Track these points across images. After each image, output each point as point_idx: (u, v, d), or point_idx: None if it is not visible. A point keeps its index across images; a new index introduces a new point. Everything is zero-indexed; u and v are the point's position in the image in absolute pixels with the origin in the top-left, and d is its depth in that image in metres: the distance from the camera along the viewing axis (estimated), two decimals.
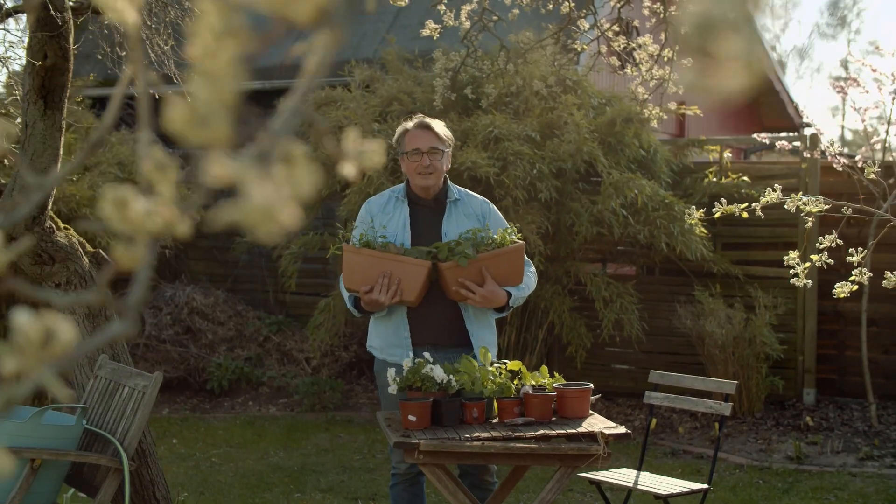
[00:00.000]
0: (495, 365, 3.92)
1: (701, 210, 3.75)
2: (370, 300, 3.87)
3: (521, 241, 4.03)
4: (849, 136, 33.02)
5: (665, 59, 5.33)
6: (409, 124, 4.10)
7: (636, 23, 8.26)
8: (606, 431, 3.59)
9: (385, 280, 3.83)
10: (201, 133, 0.79)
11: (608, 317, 7.44)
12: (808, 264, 3.65)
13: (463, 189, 4.23)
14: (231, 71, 0.78)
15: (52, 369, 0.82)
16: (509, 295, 3.98)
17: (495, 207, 4.23)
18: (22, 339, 0.80)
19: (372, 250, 3.88)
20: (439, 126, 4.10)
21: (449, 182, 4.17)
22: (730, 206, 3.59)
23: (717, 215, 3.64)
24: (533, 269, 4.19)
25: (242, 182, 0.79)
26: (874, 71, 6.70)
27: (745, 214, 3.59)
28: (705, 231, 7.35)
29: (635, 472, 4.86)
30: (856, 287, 3.59)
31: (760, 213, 3.59)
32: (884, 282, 3.45)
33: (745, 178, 8.15)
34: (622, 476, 4.78)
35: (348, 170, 0.90)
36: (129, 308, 0.86)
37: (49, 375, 0.82)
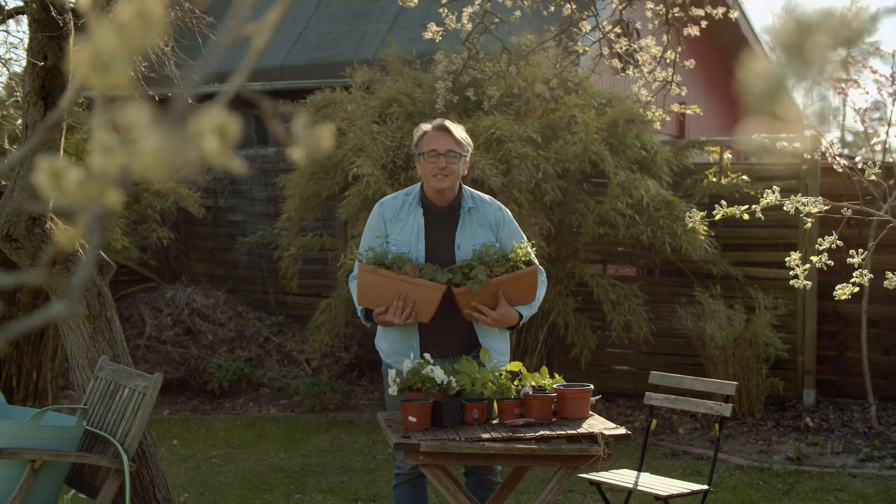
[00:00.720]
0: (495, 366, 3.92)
1: (702, 213, 3.75)
2: (383, 321, 3.88)
3: (535, 264, 4.01)
4: (849, 137, 33.03)
5: (667, 60, 5.33)
6: (428, 126, 4.05)
7: (638, 24, 8.27)
8: (607, 432, 3.59)
9: (400, 303, 3.83)
10: (105, 78, 0.80)
11: (617, 319, 7.43)
12: (807, 265, 3.66)
13: (477, 194, 4.15)
14: (140, 21, 0.79)
15: None
16: (520, 315, 3.98)
17: (509, 213, 4.17)
18: None
19: (388, 272, 3.85)
20: (458, 130, 4.05)
21: (464, 188, 4.12)
22: (730, 208, 3.60)
23: (717, 217, 3.64)
24: (544, 276, 4.16)
25: (139, 127, 0.80)
26: (874, 73, 6.70)
27: (745, 216, 3.59)
28: (707, 229, 7.35)
29: (635, 472, 4.86)
30: (856, 289, 3.59)
31: (760, 215, 3.59)
32: (885, 283, 3.45)
33: (745, 177, 8.15)
34: (622, 477, 4.78)
35: (297, 154, 0.90)
36: (72, 289, 0.86)
37: None
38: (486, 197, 4.19)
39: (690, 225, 3.71)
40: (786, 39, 0.77)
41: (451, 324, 3.98)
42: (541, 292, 4.07)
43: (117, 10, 0.80)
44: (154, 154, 0.80)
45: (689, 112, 7.80)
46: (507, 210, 4.21)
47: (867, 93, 6.34)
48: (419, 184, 4.15)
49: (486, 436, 3.53)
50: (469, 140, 4.10)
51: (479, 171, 6.85)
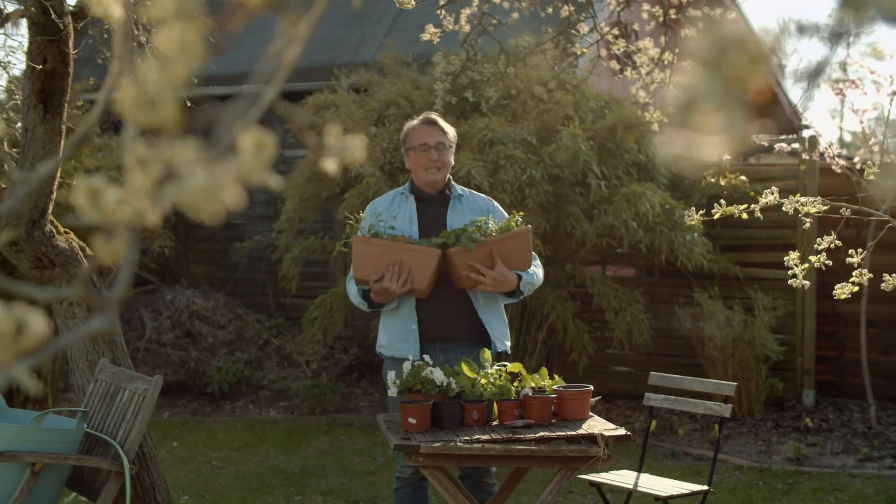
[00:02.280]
0: (495, 367, 3.92)
1: (700, 212, 3.76)
2: (380, 289, 3.87)
3: (527, 226, 4.04)
4: (847, 138, 33.01)
5: (665, 62, 5.34)
6: (414, 121, 4.15)
7: (636, 26, 8.27)
8: (606, 433, 3.59)
9: (395, 268, 3.84)
10: (150, 115, 0.80)
11: (619, 326, 7.43)
12: (806, 265, 3.66)
13: (466, 188, 4.28)
14: (183, 54, 0.80)
15: (24, 363, 0.83)
16: (519, 278, 3.98)
17: (498, 205, 4.26)
18: None
19: (382, 239, 3.89)
20: (444, 122, 4.16)
21: (451, 180, 4.21)
22: (729, 208, 3.60)
23: (716, 216, 3.64)
24: (538, 261, 4.19)
25: (186, 162, 0.80)
26: (872, 73, 6.71)
27: (744, 216, 3.60)
28: (707, 242, 7.36)
29: (635, 473, 4.86)
30: (856, 289, 3.60)
31: (759, 215, 3.59)
32: (882, 285, 3.45)
33: (743, 177, 8.16)
34: (622, 478, 4.79)
35: (330, 165, 0.91)
36: (111, 303, 0.87)
37: (20, 369, 0.83)
38: (477, 192, 4.30)
39: (689, 223, 3.71)
40: (705, 56, 0.79)
41: (449, 305, 4.01)
42: (538, 271, 4.08)
43: (158, 43, 0.80)
44: (202, 191, 0.80)
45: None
46: (497, 203, 4.28)
47: (865, 93, 6.35)
48: (409, 180, 4.23)
49: (485, 437, 3.54)
50: (454, 131, 4.19)
51: (466, 171, 6.85)
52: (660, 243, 7.25)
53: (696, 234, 7.28)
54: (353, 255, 3.94)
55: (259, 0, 0.81)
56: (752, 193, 7.95)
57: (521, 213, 4.16)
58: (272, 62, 0.92)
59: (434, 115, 4.16)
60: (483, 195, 4.27)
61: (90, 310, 4.37)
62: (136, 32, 4.36)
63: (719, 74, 0.77)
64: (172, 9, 0.79)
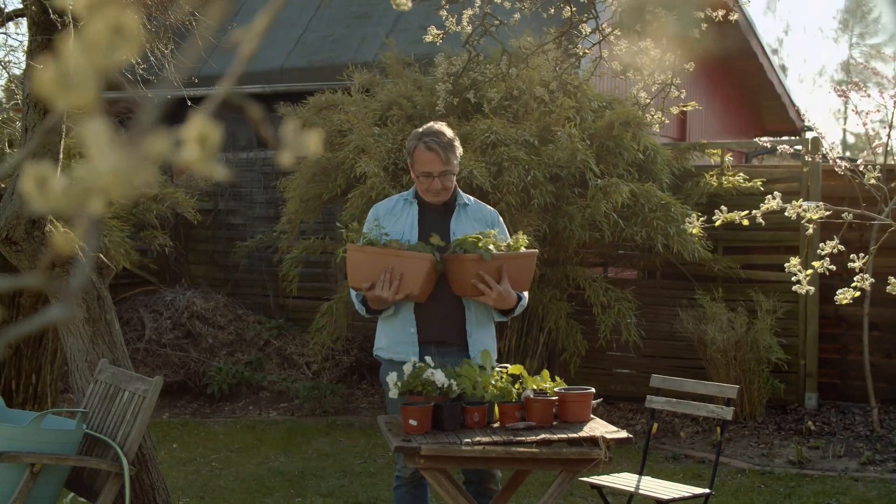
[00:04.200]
0: (496, 369, 3.90)
1: (702, 218, 3.74)
2: (373, 296, 3.86)
3: (532, 250, 4.04)
4: (851, 139, 33.02)
5: (667, 63, 5.32)
6: (419, 141, 4.05)
7: (638, 27, 8.25)
8: (608, 436, 3.57)
9: (386, 276, 3.82)
10: (69, 97, 0.79)
11: (606, 322, 7.42)
12: (809, 271, 3.64)
13: (472, 198, 4.26)
14: (115, 38, 0.78)
15: None
16: (518, 298, 3.98)
17: (502, 221, 4.26)
18: None
19: (373, 247, 3.88)
20: (447, 142, 4.02)
21: (458, 189, 4.20)
22: (731, 214, 3.58)
23: (717, 223, 3.63)
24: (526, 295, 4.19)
25: (98, 143, 0.79)
26: (876, 74, 6.70)
27: (745, 222, 3.58)
28: (701, 232, 7.33)
29: (637, 476, 4.85)
30: (858, 294, 3.58)
31: (761, 220, 3.58)
32: (888, 287, 3.43)
33: (742, 174, 8.14)
34: (623, 480, 4.77)
35: (285, 157, 0.90)
36: (69, 293, 0.86)
37: None
38: (482, 203, 4.29)
39: (690, 230, 3.70)
40: None
41: (446, 310, 4.01)
42: (525, 298, 4.09)
43: (88, 25, 0.79)
44: (112, 173, 0.79)
45: (688, 109, 7.79)
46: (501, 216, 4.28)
47: (868, 95, 6.33)
48: (413, 186, 4.22)
49: (486, 439, 3.52)
50: (457, 144, 4.10)
51: (468, 172, 6.84)
52: (655, 236, 7.24)
53: (692, 220, 7.24)
54: (347, 262, 3.94)
55: None
56: (751, 185, 7.93)
57: (526, 235, 4.15)
58: (232, 55, 0.91)
59: (436, 136, 4.02)
60: (489, 207, 4.26)
61: (89, 307, 4.36)
62: (148, 39, 4.35)
63: None
64: None
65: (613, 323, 7.43)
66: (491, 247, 3.84)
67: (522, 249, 3.98)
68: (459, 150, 4.12)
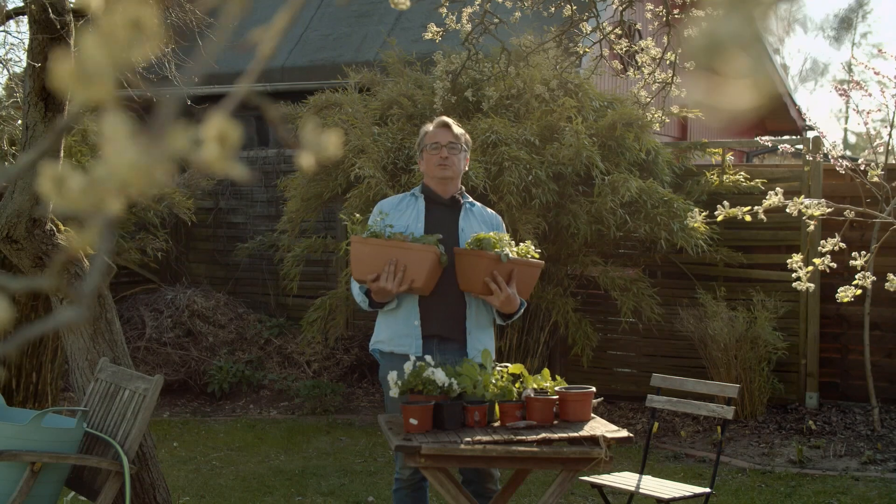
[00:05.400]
0: (497, 368, 3.90)
1: (703, 213, 3.74)
2: (377, 288, 3.87)
3: (540, 261, 4.06)
4: (852, 139, 33.01)
5: (668, 62, 5.32)
6: (430, 126, 4.19)
7: (638, 26, 8.25)
8: (608, 435, 3.57)
9: (391, 267, 3.83)
10: (87, 90, 0.79)
11: (627, 304, 7.42)
12: (810, 268, 3.64)
13: (476, 202, 4.30)
14: (126, 32, 0.78)
15: None
16: (521, 305, 4.00)
17: (503, 224, 4.30)
18: None
19: (378, 239, 3.89)
20: (457, 126, 4.19)
21: (463, 189, 4.24)
22: (732, 210, 3.58)
23: (719, 218, 3.62)
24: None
25: (117, 138, 0.79)
26: (877, 74, 6.70)
27: (748, 218, 3.58)
28: (706, 226, 7.33)
29: (637, 475, 4.84)
30: (858, 292, 3.58)
31: (763, 216, 3.57)
32: (886, 284, 3.43)
33: (743, 173, 8.14)
34: (624, 480, 4.77)
35: (305, 159, 0.90)
36: (83, 294, 0.86)
37: None
38: (485, 207, 4.33)
39: (692, 224, 3.70)
40: None
41: (450, 305, 4.01)
42: (524, 305, 4.12)
43: (106, 19, 0.79)
44: (131, 167, 0.78)
45: (690, 116, 7.79)
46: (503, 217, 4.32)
47: (870, 94, 6.32)
48: (422, 183, 4.23)
49: (487, 438, 3.52)
50: (469, 139, 4.22)
51: (467, 172, 6.84)
52: (658, 232, 7.24)
53: (694, 214, 7.24)
54: (351, 254, 3.95)
55: None
56: (752, 185, 7.93)
57: (527, 234, 4.17)
58: (249, 54, 0.91)
59: (448, 119, 4.20)
60: (492, 211, 4.30)
61: (89, 305, 4.35)
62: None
63: (743, 12, 0.74)
64: None
65: (634, 306, 7.44)
66: (507, 250, 3.86)
67: (531, 258, 3.99)
68: (468, 141, 4.21)
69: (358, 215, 4.13)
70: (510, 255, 3.87)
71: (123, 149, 0.79)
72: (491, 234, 3.95)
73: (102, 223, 0.84)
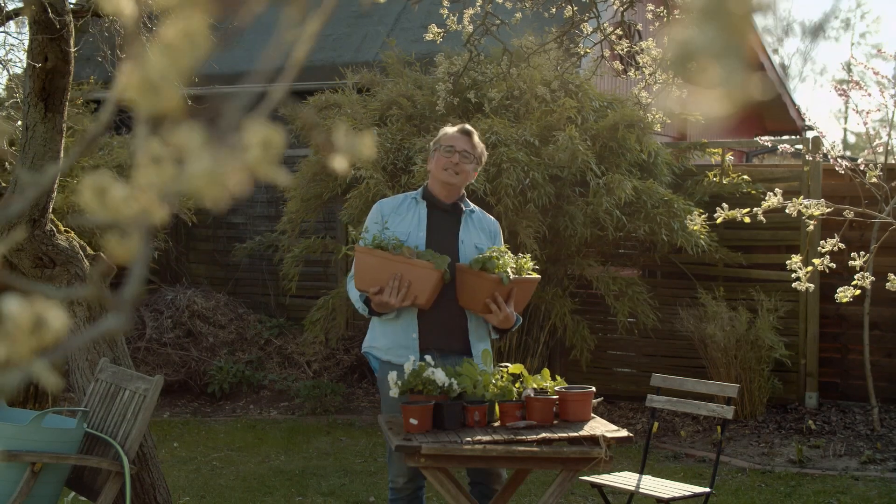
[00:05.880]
0: (497, 368, 3.91)
1: (703, 216, 3.74)
2: (380, 302, 3.87)
3: (537, 276, 4.06)
4: (851, 139, 33.01)
5: (668, 62, 5.32)
6: (453, 129, 4.17)
7: (639, 26, 8.25)
8: (608, 435, 3.57)
9: (395, 283, 3.82)
10: (153, 100, 0.79)
11: (622, 310, 7.43)
12: (810, 268, 3.64)
13: (477, 207, 4.29)
14: (189, 40, 0.79)
15: (44, 359, 0.82)
16: (517, 321, 4.02)
17: (500, 230, 4.30)
18: (12, 327, 0.80)
19: (384, 252, 3.87)
20: (477, 138, 4.17)
21: (465, 196, 4.23)
22: (732, 211, 3.58)
23: (718, 220, 3.63)
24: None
25: (191, 147, 0.79)
26: (877, 74, 6.70)
27: (747, 220, 3.58)
28: (706, 227, 7.34)
29: (637, 475, 4.85)
30: (857, 292, 3.58)
31: (762, 218, 3.58)
32: (887, 284, 3.43)
33: (746, 177, 8.14)
34: (624, 479, 4.77)
35: (339, 163, 0.90)
36: (123, 302, 0.86)
37: (41, 365, 0.82)
38: (485, 212, 4.32)
39: (692, 228, 3.70)
40: (701, 4, 0.77)
41: (449, 318, 4.01)
42: (520, 319, 4.13)
43: (163, 30, 0.79)
44: (206, 176, 0.79)
45: (691, 118, 7.80)
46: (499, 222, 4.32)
47: (869, 95, 6.33)
48: (422, 186, 4.20)
49: (487, 438, 3.52)
50: (485, 152, 4.21)
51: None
52: (658, 231, 7.24)
53: (694, 217, 7.26)
54: (356, 264, 3.94)
55: None
56: (754, 192, 7.94)
57: (530, 257, 4.16)
58: (277, 59, 0.91)
59: (471, 128, 4.17)
60: (491, 217, 4.28)
61: (90, 309, 4.36)
62: (143, 24, 4.34)
63: (718, 22, 0.75)
64: None
65: (629, 310, 7.44)
66: (509, 270, 3.86)
67: (527, 274, 3.99)
68: (483, 155, 4.19)
69: (366, 228, 4.10)
70: (510, 276, 3.86)
71: (197, 157, 0.80)
72: (493, 251, 3.94)
73: (143, 232, 0.84)
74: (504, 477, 4.14)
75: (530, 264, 4.03)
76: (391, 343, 4.06)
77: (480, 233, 4.12)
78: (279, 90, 0.91)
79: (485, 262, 3.88)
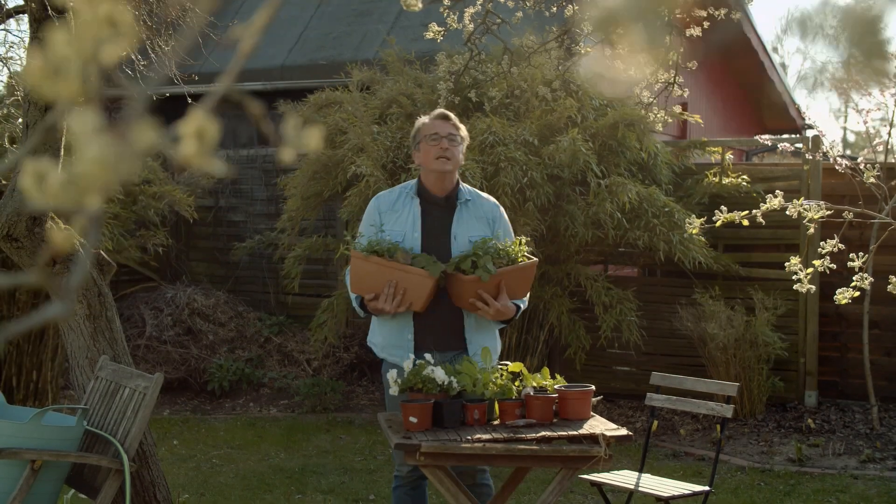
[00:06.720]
0: (496, 367, 3.91)
1: (702, 219, 3.74)
2: (375, 308, 3.88)
3: (534, 258, 4.04)
4: (851, 138, 33.00)
5: (670, 62, 5.32)
6: (426, 118, 4.14)
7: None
8: (608, 433, 3.58)
9: (390, 290, 3.83)
10: (55, 86, 0.79)
11: (607, 322, 7.43)
12: (810, 270, 3.65)
13: (474, 190, 4.23)
14: (96, 29, 0.79)
15: None
16: (517, 308, 3.99)
17: (503, 211, 4.22)
18: None
19: (379, 259, 3.86)
20: (456, 119, 4.14)
21: (461, 183, 4.18)
22: (730, 214, 3.58)
23: (717, 224, 3.63)
24: None
25: (84, 134, 0.79)
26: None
27: (745, 222, 3.58)
28: (703, 240, 7.35)
29: (637, 473, 4.85)
30: (857, 293, 3.59)
31: (761, 220, 3.58)
32: (889, 287, 3.44)
33: (745, 177, 8.14)
34: (623, 478, 4.77)
35: (287, 154, 0.90)
36: (68, 288, 0.86)
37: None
38: (483, 193, 4.26)
39: (689, 232, 3.70)
40: None
41: (444, 318, 4.00)
42: (524, 302, 4.10)
43: (78, 16, 0.79)
44: (96, 162, 0.79)
45: (690, 119, 7.81)
46: (502, 207, 4.24)
47: (869, 94, 6.33)
48: (416, 179, 4.18)
49: (487, 436, 3.52)
50: (466, 133, 4.17)
51: (461, 172, 6.83)
52: (657, 242, 7.24)
53: (693, 234, 7.26)
54: (351, 269, 3.95)
55: None
56: (754, 194, 7.94)
57: (528, 240, 4.14)
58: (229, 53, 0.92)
59: (446, 111, 4.14)
60: (490, 199, 4.22)
61: (90, 304, 4.36)
62: (149, 36, 4.35)
63: None
64: None
65: (615, 323, 7.43)
66: (490, 265, 3.84)
67: (522, 260, 3.97)
68: (466, 135, 4.15)
69: (362, 234, 4.08)
70: (492, 269, 3.85)
71: (90, 144, 0.79)
72: (475, 243, 3.93)
73: (88, 218, 0.85)
74: (487, 468, 4.09)
75: (525, 249, 4.01)
76: (386, 341, 4.07)
77: (477, 222, 4.07)
78: (225, 81, 0.92)
79: (459, 262, 3.88)
